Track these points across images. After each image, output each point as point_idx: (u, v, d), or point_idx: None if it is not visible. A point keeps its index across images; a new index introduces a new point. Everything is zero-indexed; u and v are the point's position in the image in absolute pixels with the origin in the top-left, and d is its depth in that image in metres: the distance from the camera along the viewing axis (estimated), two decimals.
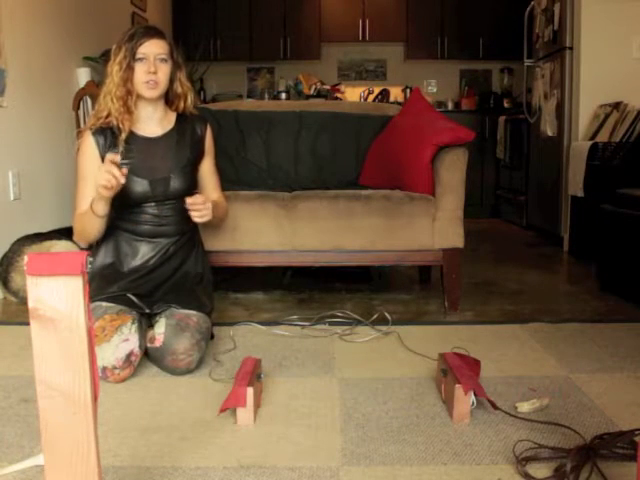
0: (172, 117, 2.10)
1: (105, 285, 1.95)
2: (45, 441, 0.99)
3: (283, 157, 3.07)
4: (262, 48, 6.41)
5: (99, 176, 1.79)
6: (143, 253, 2.02)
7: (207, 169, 2.18)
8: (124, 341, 1.79)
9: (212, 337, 2.10)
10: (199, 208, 1.95)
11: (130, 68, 1.93)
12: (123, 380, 1.79)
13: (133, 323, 1.84)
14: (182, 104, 2.08)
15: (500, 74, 6.67)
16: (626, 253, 2.70)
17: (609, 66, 3.83)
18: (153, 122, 2.06)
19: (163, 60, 1.96)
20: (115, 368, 1.77)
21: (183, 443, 1.42)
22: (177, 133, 2.08)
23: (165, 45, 1.97)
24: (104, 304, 1.88)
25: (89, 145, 1.99)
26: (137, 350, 1.81)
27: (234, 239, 2.49)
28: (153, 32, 1.97)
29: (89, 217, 1.92)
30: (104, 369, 1.76)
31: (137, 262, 2.01)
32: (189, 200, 1.94)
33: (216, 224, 2.28)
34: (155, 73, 1.94)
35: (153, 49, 1.94)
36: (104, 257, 2.02)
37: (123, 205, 2.00)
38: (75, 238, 2.12)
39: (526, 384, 1.75)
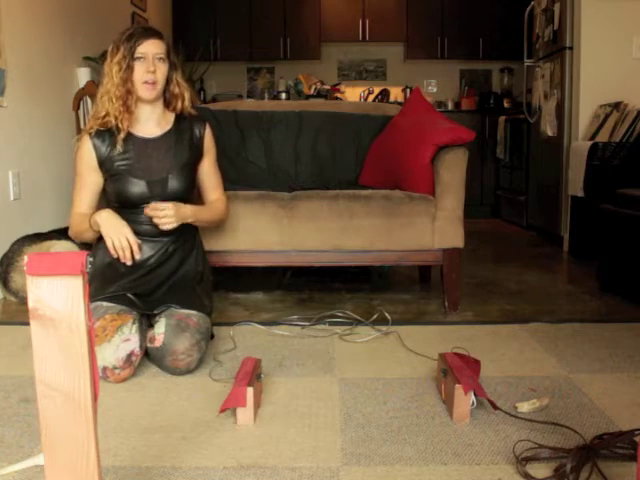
0: (170, 118, 2.10)
1: (105, 285, 1.95)
2: (45, 441, 0.99)
3: (283, 157, 3.06)
4: (262, 48, 6.40)
5: (114, 238, 1.89)
6: (143, 252, 2.01)
7: (206, 169, 2.17)
8: (125, 341, 1.80)
9: (212, 337, 2.10)
10: (158, 215, 1.93)
11: (130, 68, 1.94)
12: (123, 380, 1.79)
13: (134, 323, 1.84)
14: (180, 104, 2.08)
15: (500, 74, 6.67)
16: (626, 253, 2.70)
17: (609, 66, 3.83)
18: (151, 123, 2.06)
19: (161, 60, 1.97)
20: (115, 368, 1.77)
21: (183, 443, 1.42)
22: (175, 133, 2.08)
23: (163, 45, 1.98)
24: (105, 304, 1.89)
25: (87, 149, 2.01)
26: (138, 350, 1.82)
27: (234, 239, 2.50)
28: (151, 32, 1.98)
29: (87, 229, 1.98)
30: (104, 369, 1.76)
31: (136, 261, 2.01)
32: (146, 210, 1.94)
33: (209, 226, 2.26)
34: (154, 72, 1.95)
35: (151, 49, 1.95)
36: (103, 257, 2.01)
37: (122, 205, 2.01)
38: (70, 234, 2.14)
39: (526, 384, 1.75)
